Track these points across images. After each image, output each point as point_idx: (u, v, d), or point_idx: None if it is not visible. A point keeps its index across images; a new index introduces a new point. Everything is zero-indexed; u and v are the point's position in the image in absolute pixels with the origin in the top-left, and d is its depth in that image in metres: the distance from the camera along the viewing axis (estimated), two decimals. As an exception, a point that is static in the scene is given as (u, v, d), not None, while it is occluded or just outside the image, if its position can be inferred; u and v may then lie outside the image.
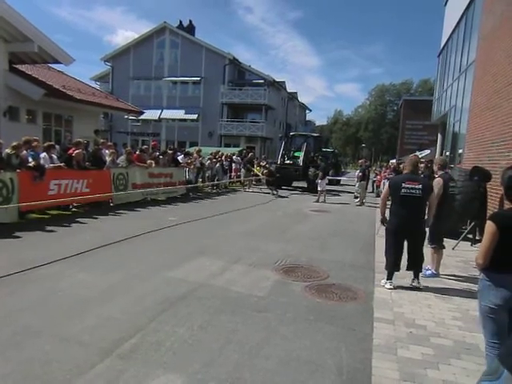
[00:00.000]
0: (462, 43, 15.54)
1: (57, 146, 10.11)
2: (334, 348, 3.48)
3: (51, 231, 7.44)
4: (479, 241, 3.09)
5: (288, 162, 19.55)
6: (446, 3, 20.61)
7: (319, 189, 15.18)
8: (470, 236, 7.97)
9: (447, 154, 17.07)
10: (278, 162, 19.45)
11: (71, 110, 15.46)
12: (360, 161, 17.03)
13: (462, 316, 4.27)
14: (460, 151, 13.66)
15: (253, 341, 3.52)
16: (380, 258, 5.68)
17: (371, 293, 4.91)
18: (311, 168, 18.37)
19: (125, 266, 5.53)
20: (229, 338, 3.56)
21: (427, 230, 5.40)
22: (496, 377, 1.86)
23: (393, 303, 4.56)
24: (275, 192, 16.29)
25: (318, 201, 14.85)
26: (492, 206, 8.00)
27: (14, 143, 8.19)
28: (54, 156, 9.32)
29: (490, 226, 2.64)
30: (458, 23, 16.47)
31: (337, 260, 6.49)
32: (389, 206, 5.29)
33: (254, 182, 19.09)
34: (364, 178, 15.72)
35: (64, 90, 14.41)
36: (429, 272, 5.57)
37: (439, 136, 22.17)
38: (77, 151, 9.74)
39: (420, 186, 4.97)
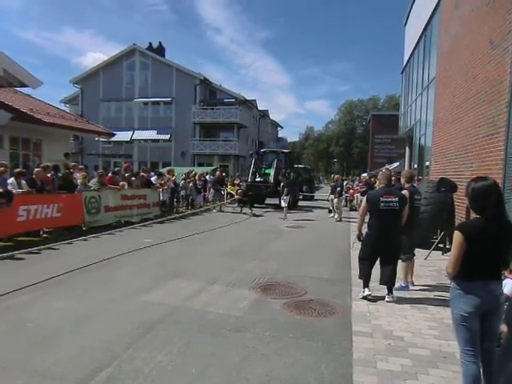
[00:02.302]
0: (423, 61, 16.28)
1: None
2: (315, 364, 3.48)
3: (21, 259, 7.16)
4: (450, 249, 3.19)
5: (259, 179, 19.20)
6: (405, 23, 21.59)
7: (283, 205, 15.03)
8: (441, 245, 8.21)
9: (415, 166, 17.63)
10: (249, 180, 19.05)
11: (40, 133, 15.08)
12: (336, 176, 17.08)
13: (437, 325, 4.36)
14: (427, 163, 14.14)
15: (233, 362, 3.48)
16: (356, 272, 5.74)
17: (349, 307, 4.96)
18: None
19: (99, 291, 5.39)
20: (208, 360, 3.50)
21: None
22: None
23: (370, 316, 4.62)
24: (250, 210, 16.24)
25: (285, 217, 14.53)
26: (460, 216, 8.28)
27: (-21, 169, 7.93)
28: (23, 182, 9.05)
29: (457, 236, 2.73)
30: (418, 42, 17.27)
31: (314, 275, 6.52)
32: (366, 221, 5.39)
33: (228, 201, 18.99)
34: (342, 193, 15.82)
35: (32, 114, 14.07)
36: (398, 285, 5.53)
37: (407, 149, 22.87)
38: (36, 169, 9.64)
39: (397, 199, 5.10)
